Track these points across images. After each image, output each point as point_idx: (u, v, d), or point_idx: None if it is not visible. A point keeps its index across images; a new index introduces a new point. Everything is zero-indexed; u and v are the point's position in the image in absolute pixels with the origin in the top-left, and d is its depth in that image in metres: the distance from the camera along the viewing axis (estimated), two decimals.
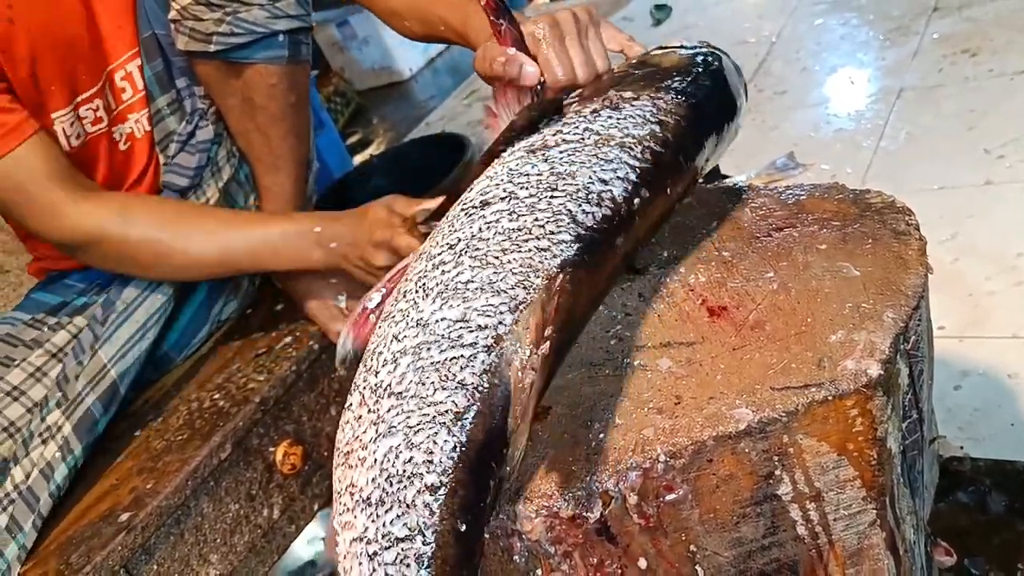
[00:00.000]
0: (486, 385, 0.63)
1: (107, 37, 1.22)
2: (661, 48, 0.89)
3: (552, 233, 0.69)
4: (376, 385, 0.65)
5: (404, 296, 0.70)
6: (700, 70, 0.84)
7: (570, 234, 0.69)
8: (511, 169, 0.75)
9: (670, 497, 0.66)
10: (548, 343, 0.64)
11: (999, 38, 2.14)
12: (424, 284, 0.68)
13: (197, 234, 1.18)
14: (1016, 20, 2.18)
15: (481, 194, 0.74)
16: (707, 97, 0.82)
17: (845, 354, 0.66)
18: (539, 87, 0.87)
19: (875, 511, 0.69)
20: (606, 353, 0.74)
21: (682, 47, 0.87)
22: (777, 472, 0.66)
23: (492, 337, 0.64)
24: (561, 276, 0.67)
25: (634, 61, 0.88)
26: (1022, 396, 1.25)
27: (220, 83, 1.27)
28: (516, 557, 0.68)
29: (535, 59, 0.88)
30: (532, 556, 0.68)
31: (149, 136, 1.30)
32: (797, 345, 0.68)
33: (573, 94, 0.86)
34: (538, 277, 0.67)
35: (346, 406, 0.68)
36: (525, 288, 0.66)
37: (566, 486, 0.65)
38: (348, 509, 0.62)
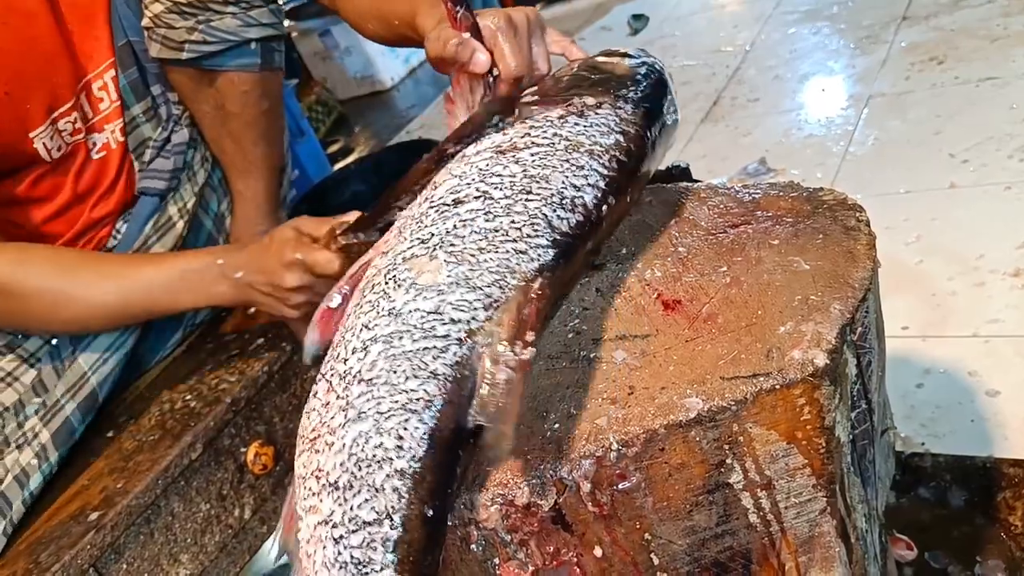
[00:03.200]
0: (457, 376, 0.65)
1: (82, 48, 1.22)
2: (607, 54, 0.92)
3: (529, 236, 0.71)
4: (345, 372, 0.66)
5: (372, 288, 0.71)
6: (650, 81, 0.87)
7: (547, 239, 0.71)
8: (481, 169, 0.76)
9: (623, 485, 0.68)
10: (532, 349, 0.65)
11: (965, 46, 2.18)
12: (395, 276, 0.70)
13: (94, 279, 1.13)
14: (981, 29, 2.23)
15: (452, 192, 0.75)
16: (659, 107, 0.86)
17: (793, 344, 0.68)
18: (491, 79, 0.89)
19: (825, 499, 0.70)
20: (563, 346, 0.76)
21: (628, 56, 0.91)
22: (728, 460, 0.68)
23: (465, 331, 0.66)
24: (540, 280, 0.69)
25: (585, 65, 0.90)
26: (982, 394, 1.27)
27: (192, 90, 1.28)
28: (473, 546, 0.69)
29: (490, 51, 0.89)
30: (489, 545, 0.69)
31: (122, 147, 1.30)
32: (747, 336, 0.70)
33: (526, 92, 0.88)
34: (514, 278, 0.68)
35: (311, 394, 0.69)
36: (501, 288, 0.68)
37: (521, 475, 0.67)
38: (313, 493, 0.63)
